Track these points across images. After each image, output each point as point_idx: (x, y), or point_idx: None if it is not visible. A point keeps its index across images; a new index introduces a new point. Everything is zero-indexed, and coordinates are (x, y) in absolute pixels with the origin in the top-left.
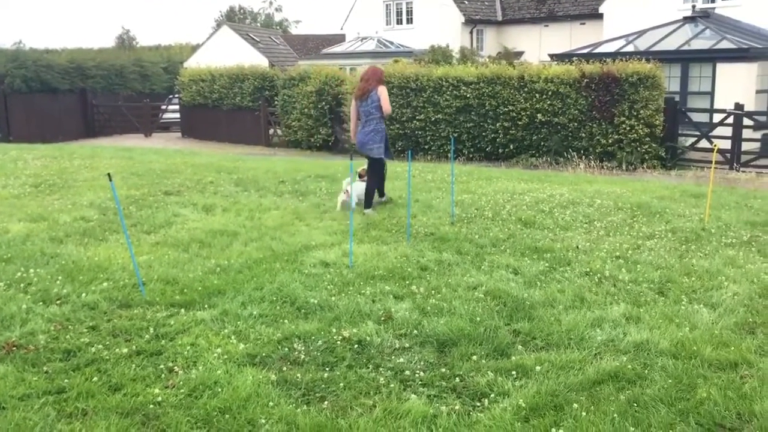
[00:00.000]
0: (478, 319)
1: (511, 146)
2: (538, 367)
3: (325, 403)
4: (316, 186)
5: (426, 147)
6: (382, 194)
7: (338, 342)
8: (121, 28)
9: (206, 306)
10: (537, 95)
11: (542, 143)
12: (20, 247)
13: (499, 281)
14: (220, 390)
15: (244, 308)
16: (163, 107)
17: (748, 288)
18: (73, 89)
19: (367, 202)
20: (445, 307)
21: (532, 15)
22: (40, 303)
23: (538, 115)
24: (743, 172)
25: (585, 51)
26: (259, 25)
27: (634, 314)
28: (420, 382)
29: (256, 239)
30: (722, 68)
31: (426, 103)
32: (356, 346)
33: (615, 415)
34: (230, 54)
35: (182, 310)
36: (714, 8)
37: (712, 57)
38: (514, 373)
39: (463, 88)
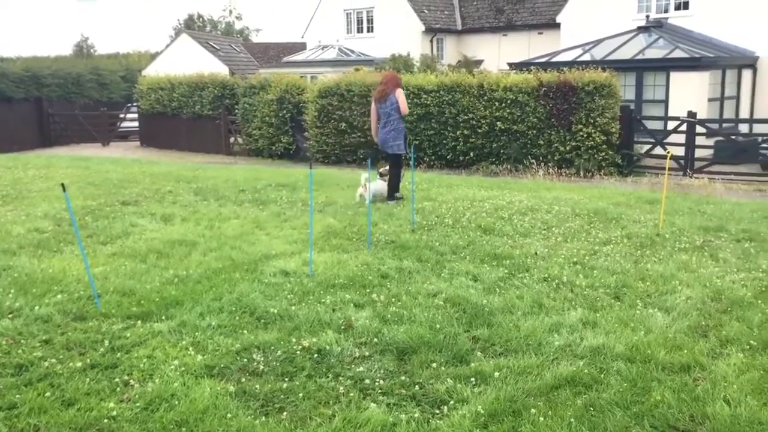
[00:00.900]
0: (438, 326)
1: (472, 154)
2: (496, 373)
3: (284, 413)
4: (276, 195)
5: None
6: (397, 189)
7: (298, 352)
8: (80, 35)
9: (164, 317)
10: (496, 103)
11: (502, 151)
12: None
13: (458, 288)
14: (177, 403)
15: (203, 319)
16: (122, 116)
17: (701, 292)
18: (28, 98)
19: (390, 194)
20: (405, 314)
21: (491, 24)
22: None
23: (498, 123)
24: (696, 178)
25: (543, 60)
26: (219, 33)
27: (591, 319)
28: (380, 391)
29: (216, 249)
30: (676, 77)
31: None
32: (316, 355)
33: (572, 419)
34: (190, 62)
35: (139, 321)
36: (667, 18)
37: (666, 66)
38: (473, 379)
39: (424, 96)
